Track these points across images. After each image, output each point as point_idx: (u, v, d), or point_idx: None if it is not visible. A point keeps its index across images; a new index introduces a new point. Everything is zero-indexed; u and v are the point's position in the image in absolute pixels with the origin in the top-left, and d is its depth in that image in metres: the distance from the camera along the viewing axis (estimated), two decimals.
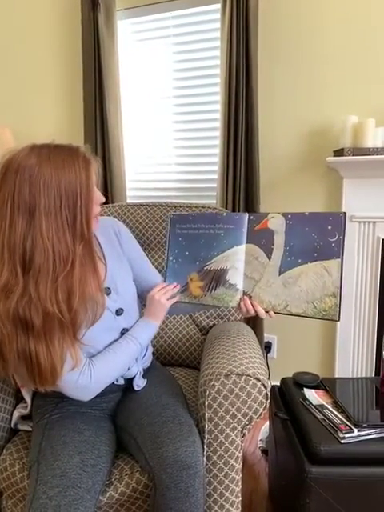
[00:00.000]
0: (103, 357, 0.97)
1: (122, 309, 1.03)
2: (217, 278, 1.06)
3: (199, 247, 1.08)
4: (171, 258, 1.11)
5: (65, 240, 0.86)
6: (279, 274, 1.00)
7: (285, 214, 1.01)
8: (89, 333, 0.94)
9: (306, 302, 0.98)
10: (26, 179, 0.83)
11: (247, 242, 1.04)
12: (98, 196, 0.94)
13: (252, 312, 1.02)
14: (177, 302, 1.09)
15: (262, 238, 1.03)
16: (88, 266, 0.90)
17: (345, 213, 0.97)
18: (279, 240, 1.01)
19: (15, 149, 0.88)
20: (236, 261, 1.04)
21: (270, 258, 1.01)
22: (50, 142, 0.90)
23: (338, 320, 0.96)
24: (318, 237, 0.97)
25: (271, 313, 1.01)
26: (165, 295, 1.06)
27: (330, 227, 0.96)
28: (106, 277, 1.03)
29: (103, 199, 0.96)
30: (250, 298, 1.02)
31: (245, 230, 1.04)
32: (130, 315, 1.06)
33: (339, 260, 0.96)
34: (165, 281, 1.12)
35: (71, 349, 0.88)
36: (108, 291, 1.01)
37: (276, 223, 1.02)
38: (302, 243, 0.98)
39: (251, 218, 1.05)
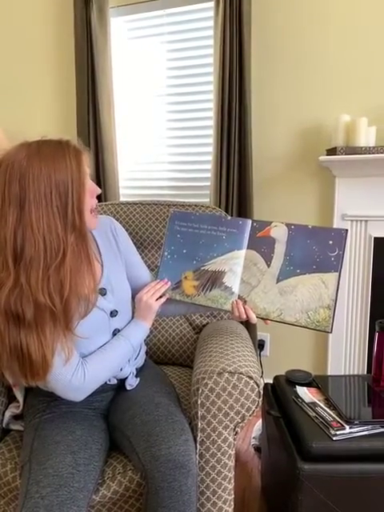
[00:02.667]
0: (96, 357, 0.97)
1: (116, 310, 1.03)
2: (213, 280, 1.07)
3: (198, 247, 1.09)
4: (166, 254, 1.11)
5: (56, 230, 0.86)
6: (276, 282, 1.02)
7: (288, 225, 1.03)
8: (81, 333, 0.94)
9: (300, 312, 1.00)
10: (15, 173, 0.84)
11: (248, 248, 1.05)
12: (93, 187, 0.95)
13: (244, 316, 1.03)
14: (168, 299, 1.09)
15: (262, 245, 1.04)
16: (81, 257, 0.90)
17: (347, 230, 1.00)
18: (280, 249, 1.02)
19: (8, 148, 0.88)
20: (234, 265, 1.05)
21: (269, 266, 1.03)
22: (40, 138, 0.90)
23: (330, 332, 0.99)
24: (319, 250, 1.00)
25: (268, 321, 1.03)
26: (153, 296, 1.06)
27: (331, 242, 0.99)
28: (103, 277, 1.02)
29: (99, 191, 0.97)
30: (245, 302, 1.04)
31: (247, 235, 1.06)
32: (123, 316, 1.06)
33: (337, 274, 0.98)
34: (157, 276, 1.12)
35: (63, 340, 0.87)
36: (104, 292, 1.01)
37: (278, 232, 1.03)
38: (302, 254, 1.01)
39: (255, 224, 1.06)
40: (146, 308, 1.06)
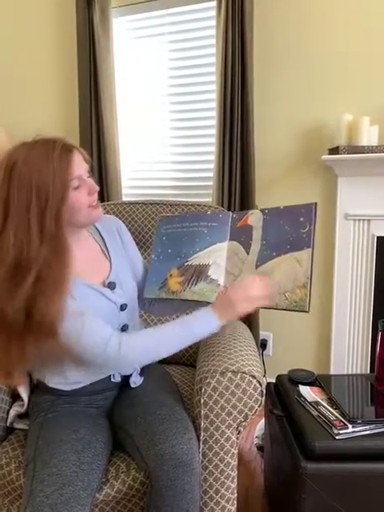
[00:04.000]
0: (138, 331, 0.98)
1: (125, 304, 1.04)
2: (198, 273, 1.06)
3: (181, 244, 1.09)
4: (153, 256, 1.13)
5: (31, 241, 0.84)
6: (256, 268, 1.01)
7: (262, 210, 1.03)
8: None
9: (278, 295, 0.97)
10: (6, 177, 0.85)
11: (230, 239, 1.06)
12: (90, 185, 0.93)
13: None
14: (155, 299, 1.11)
15: (242, 235, 1.05)
16: (53, 273, 0.86)
17: (316, 203, 0.97)
18: (257, 235, 1.02)
19: (10, 147, 0.89)
20: (218, 257, 1.06)
21: (248, 253, 1.03)
22: (34, 137, 0.91)
23: (307, 311, 0.94)
24: (291, 229, 0.98)
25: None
26: (248, 297, 0.94)
27: (302, 219, 0.97)
28: (111, 272, 1.04)
29: (97, 188, 0.95)
30: None
31: (228, 227, 1.06)
32: (131, 311, 1.07)
33: (310, 250, 0.95)
34: (146, 279, 1.13)
35: (30, 353, 0.86)
36: (113, 286, 1.02)
37: (254, 219, 1.04)
38: (277, 236, 0.99)
39: (234, 216, 1.07)
40: (231, 307, 0.95)
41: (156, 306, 1.19)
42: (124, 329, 1.05)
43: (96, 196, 0.96)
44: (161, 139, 2.16)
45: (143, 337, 0.96)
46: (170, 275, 1.09)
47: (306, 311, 0.94)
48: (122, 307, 1.03)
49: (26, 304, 0.83)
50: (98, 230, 1.09)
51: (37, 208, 0.84)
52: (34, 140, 0.90)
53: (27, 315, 0.83)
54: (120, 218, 1.48)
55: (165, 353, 0.97)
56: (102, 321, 0.93)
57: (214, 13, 1.88)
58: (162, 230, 1.13)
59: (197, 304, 1.13)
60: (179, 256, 1.09)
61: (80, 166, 0.92)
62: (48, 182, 0.85)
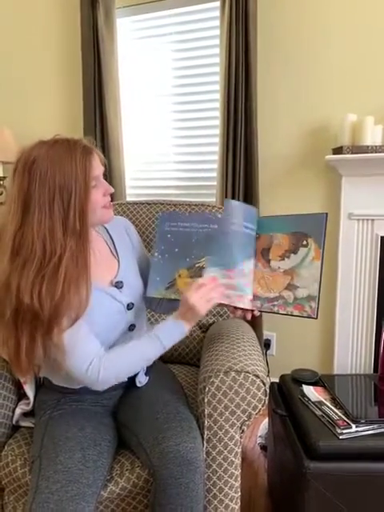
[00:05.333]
0: (117, 352, 0.96)
1: (132, 303, 1.05)
2: None
3: (191, 245, 1.08)
4: (156, 254, 1.11)
5: (55, 235, 0.86)
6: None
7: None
8: (98, 326, 0.95)
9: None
10: (26, 174, 0.86)
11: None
12: (106, 186, 0.97)
13: (239, 313, 1.03)
14: (161, 299, 1.11)
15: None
16: (78, 264, 0.88)
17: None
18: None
19: (27, 145, 0.91)
20: None
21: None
22: (53, 137, 0.92)
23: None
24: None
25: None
26: (203, 298, 0.96)
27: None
28: (119, 271, 1.05)
29: (112, 190, 0.99)
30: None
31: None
32: (138, 311, 1.08)
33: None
34: (148, 277, 1.12)
35: (39, 345, 0.87)
36: (120, 285, 1.03)
37: None
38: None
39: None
40: (191, 311, 0.96)
41: (163, 305, 1.19)
42: (131, 329, 1.06)
43: (109, 197, 0.98)
44: (164, 139, 2.17)
45: (122, 359, 0.95)
46: (179, 275, 1.08)
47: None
48: (129, 306, 1.04)
49: (53, 297, 0.84)
50: (106, 230, 1.10)
51: (61, 204, 0.86)
52: (53, 139, 0.92)
53: (48, 309, 0.84)
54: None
55: (140, 367, 1.03)
56: (91, 341, 0.93)
57: (217, 13, 1.88)
58: (166, 226, 1.11)
59: None
60: (189, 257, 1.08)
61: (98, 167, 0.95)
62: (71, 179, 0.87)
